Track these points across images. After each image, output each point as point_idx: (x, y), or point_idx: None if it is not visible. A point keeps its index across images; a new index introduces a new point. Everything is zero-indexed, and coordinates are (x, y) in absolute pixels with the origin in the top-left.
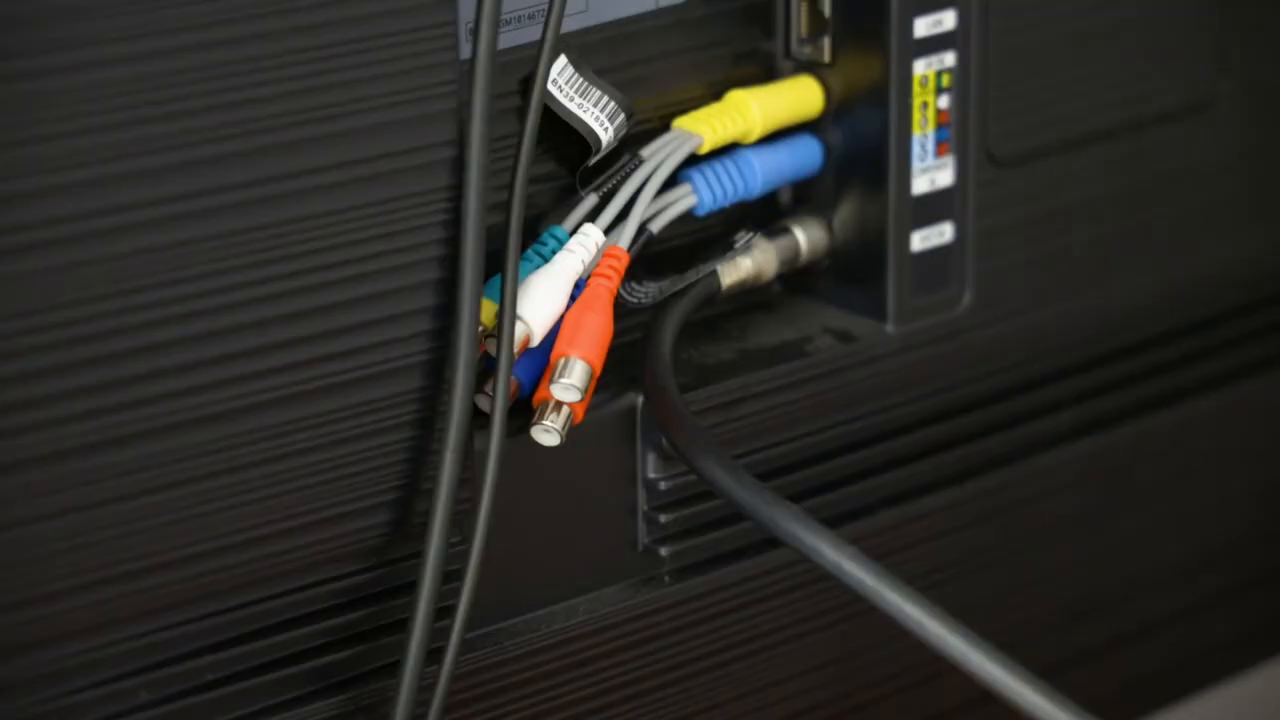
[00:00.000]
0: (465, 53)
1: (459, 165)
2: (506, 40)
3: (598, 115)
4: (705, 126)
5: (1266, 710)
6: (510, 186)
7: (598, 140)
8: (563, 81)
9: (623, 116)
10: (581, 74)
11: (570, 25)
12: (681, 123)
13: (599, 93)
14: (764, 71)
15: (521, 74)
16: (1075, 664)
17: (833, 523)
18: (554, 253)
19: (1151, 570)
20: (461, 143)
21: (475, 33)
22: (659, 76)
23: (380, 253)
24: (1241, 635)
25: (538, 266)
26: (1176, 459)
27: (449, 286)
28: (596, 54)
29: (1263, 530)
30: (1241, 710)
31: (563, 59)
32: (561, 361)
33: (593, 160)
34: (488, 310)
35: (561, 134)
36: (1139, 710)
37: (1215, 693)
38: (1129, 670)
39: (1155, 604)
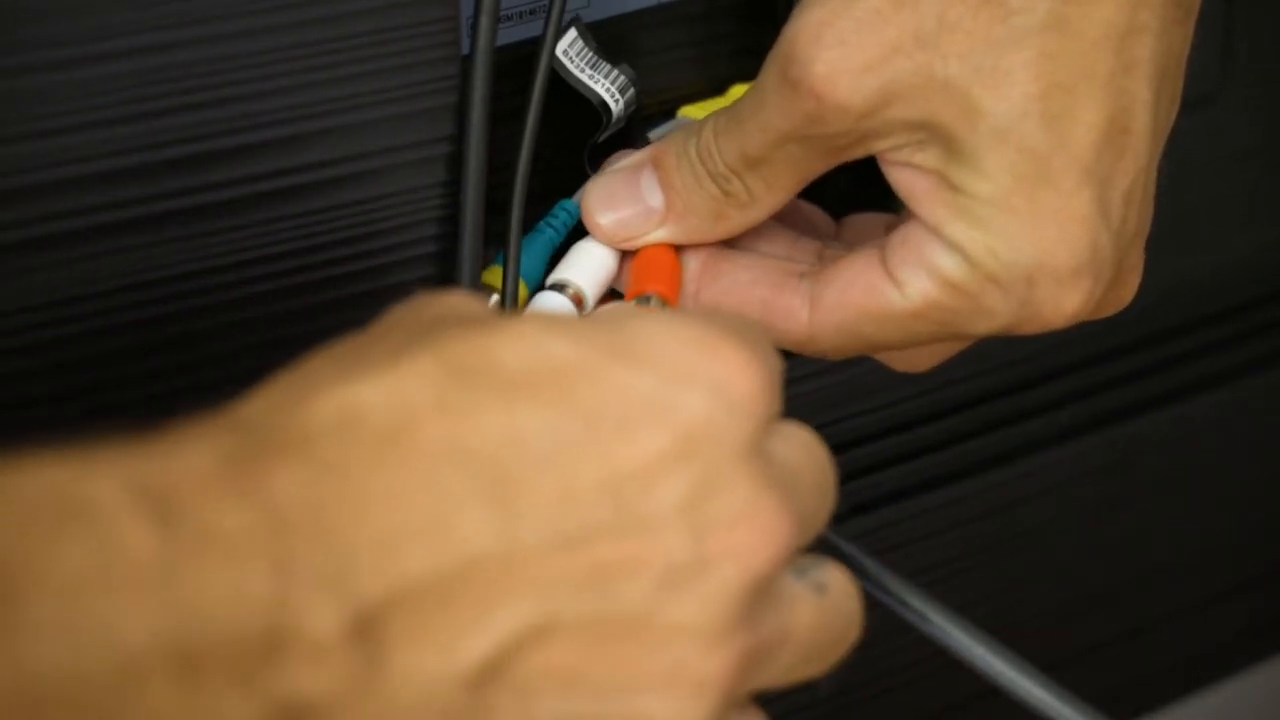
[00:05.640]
0: (466, 48)
1: (458, 160)
2: (507, 36)
3: (609, 87)
4: None
5: (1267, 708)
6: (514, 166)
7: (609, 111)
8: (574, 53)
9: (632, 91)
10: (590, 48)
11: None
12: (687, 112)
13: (608, 66)
14: None
15: (523, 68)
16: (1077, 660)
17: (835, 518)
18: (565, 225)
19: (1152, 567)
20: (461, 138)
21: (474, 27)
22: (660, 72)
23: (381, 248)
24: (1243, 632)
25: (549, 239)
26: (1177, 456)
27: (448, 281)
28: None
29: (1263, 528)
30: (1242, 707)
31: (573, 31)
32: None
33: (602, 136)
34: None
35: (565, 121)
36: (1141, 707)
37: (1216, 690)
38: (1130, 667)
39: (1157, 601)
